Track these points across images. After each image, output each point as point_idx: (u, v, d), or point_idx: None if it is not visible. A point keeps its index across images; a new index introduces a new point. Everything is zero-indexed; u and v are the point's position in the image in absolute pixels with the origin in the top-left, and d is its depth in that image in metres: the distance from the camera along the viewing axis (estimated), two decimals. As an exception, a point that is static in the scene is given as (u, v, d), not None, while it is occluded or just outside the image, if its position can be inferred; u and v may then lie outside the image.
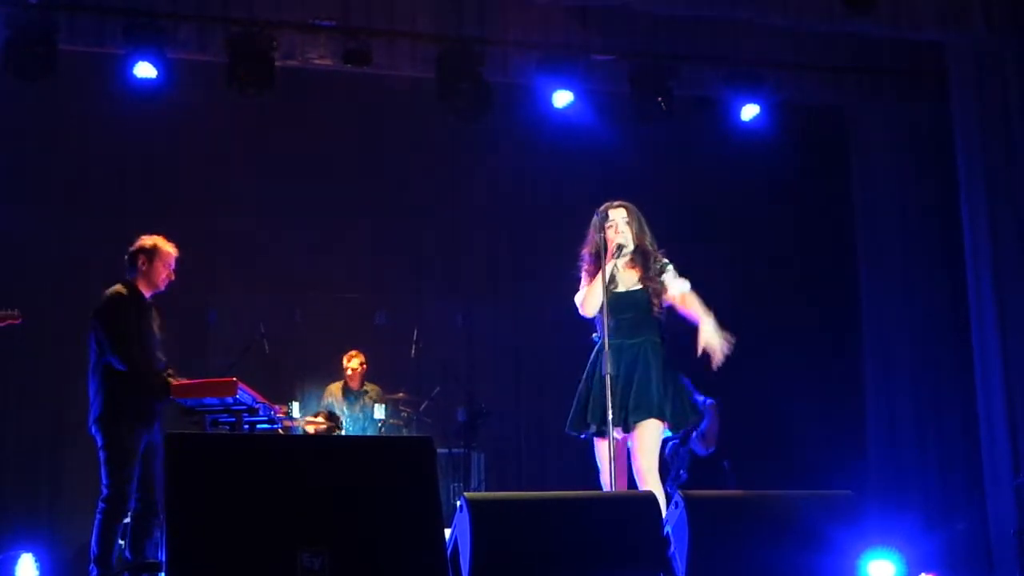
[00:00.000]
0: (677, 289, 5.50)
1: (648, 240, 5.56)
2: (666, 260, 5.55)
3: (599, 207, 5.57)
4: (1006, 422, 8.17)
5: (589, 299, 5.45)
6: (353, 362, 9.29)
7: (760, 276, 10.13)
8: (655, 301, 5.46)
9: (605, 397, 5.22)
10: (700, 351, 5.38)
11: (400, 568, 3.92)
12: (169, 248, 6.21)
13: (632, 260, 5.52)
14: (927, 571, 7.60)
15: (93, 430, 5.92)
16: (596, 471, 5.48)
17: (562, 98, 8.70)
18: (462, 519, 4.26)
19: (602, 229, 5.48)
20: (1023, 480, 7.95)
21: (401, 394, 9.26)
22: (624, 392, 5.35)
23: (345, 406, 9.18)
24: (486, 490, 8.88)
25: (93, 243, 9.15)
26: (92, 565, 5.82)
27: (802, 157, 9.97)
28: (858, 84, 9.43)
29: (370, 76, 8.60)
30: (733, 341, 5.41)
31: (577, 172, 9.55)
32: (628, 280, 5.52)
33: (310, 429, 8.76)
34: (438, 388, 9.22)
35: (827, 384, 9.72)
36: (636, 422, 5.33)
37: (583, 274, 5.59)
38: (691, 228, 10.15)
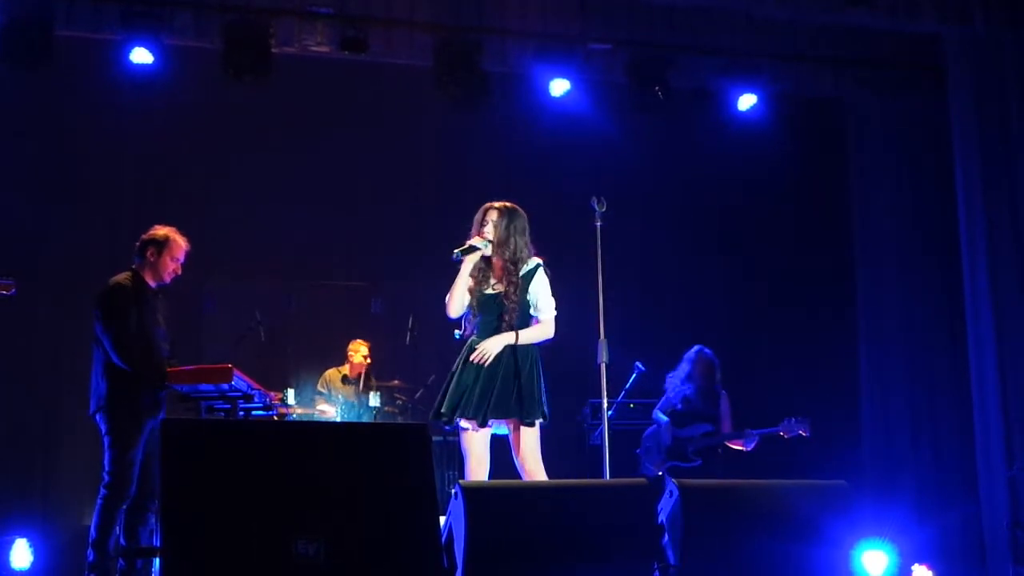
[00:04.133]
0: (545, 313, 5.53)
1: (513, 247, 5.51)
2: (539, 271, 5.53)
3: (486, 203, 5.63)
4: (1000, 414, 8.19)
5: (451, 300, 5.53)
6: (362, 348, 9.26)
7: (756, 267, 10.14)
8: (507, 307, 5.46)
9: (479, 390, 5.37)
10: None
11: (395, 555, 3.93)
12: (180, 241, 6.15)
13: (498, 265, 5.55)
14: (920, 562, 7.62)
15: (97, 417, 5.91)
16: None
17: (559, 87, 8.70)
18: (457, 506, 4.27)
19: (479, 226, 5.56)
20: (1016, 472, 7.97)
21: (396, 382, 9.26)
22: (485, 389, 5.39)
23: (341, 393, 9.18)
24: (480, 478, 8.89)
25: (89, 229, 9.16)
26: (90, 549, 5.81)
27: (799, 148, 9.97)
28: (855, 76, 9.41)
29: (367, 64, 8.59)
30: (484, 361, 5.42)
31: (574, 161, 9.54)
32: (492, 284, 5.57)
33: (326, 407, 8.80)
34: (433, 376, 9.21)
35: (822, 373, 9.73)
36: (502, 419, 5.40)
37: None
38: (687, 218, 10.18)
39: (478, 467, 5.40)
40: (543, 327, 5.53)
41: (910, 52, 9.32)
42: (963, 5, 8.35)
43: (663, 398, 8.29)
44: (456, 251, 5.50)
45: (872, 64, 9.41)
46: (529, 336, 5.49)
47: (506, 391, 5.39)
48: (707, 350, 8.22)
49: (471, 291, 5.53)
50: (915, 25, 8.45)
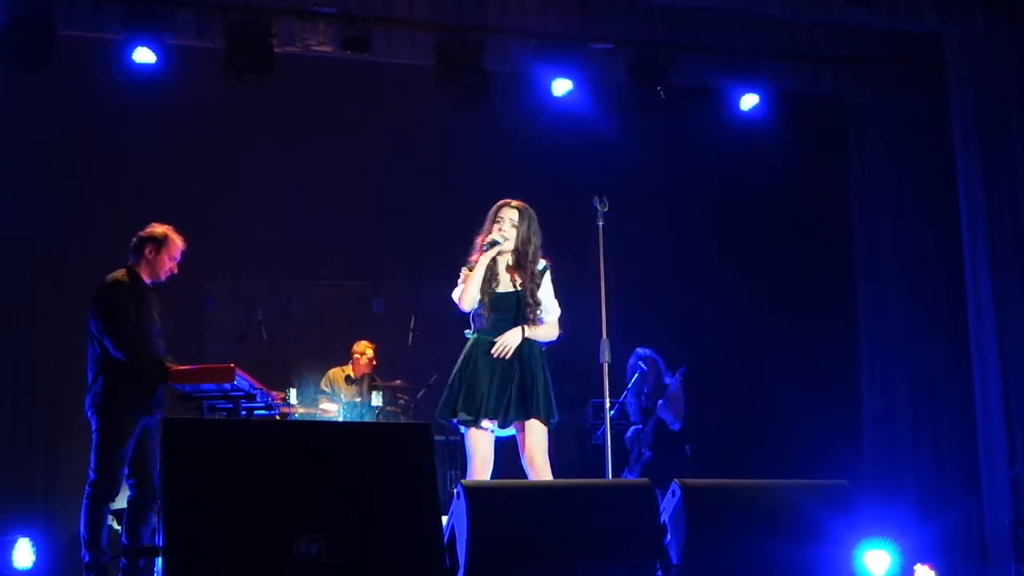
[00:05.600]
0: (552, 315, 5.55)
1: (532, 248, 5.54)
2: (547, 273, 5.56)
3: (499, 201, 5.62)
4: (1002, 412, 8.19)
5: (466, 294, 5.48)
6: (368, 351, 9.23)
7: (756, 265, 10.13)
8: (529, 305, 5.48)
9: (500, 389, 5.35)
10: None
11: (397, 555, 3.93)
12: (178, 240, 6.14)
13: (513, 263, 5.55)
14: (922, 562, 7.62)
15: (89, 414, 5.90)
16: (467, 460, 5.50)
17: (561, 87, 8.71)
18: (459, 506, 4.27)
19: (492, 223, 5.55)
20: (1019, 471, 7.97)
21: (398, 381, 9.25)
22: (502, 389, 5.38)
23: (344, 392, 9.17)
24: (482, 478, 8.88)
25: (89, 229, 9.15)
26: (83, 550, 5.82)
27: (800, 147, 9.97)
28: (856, 74, 9.42)
29: (369, 63, 8.59)
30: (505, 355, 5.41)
31: (576, 161, 9.54)
32: (506, 282, 5.55)
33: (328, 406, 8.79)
34: (435, 376, 9.20)
35: (823, 373, 9.73)
36: (522, 420, 5.38)
37: (464, 270, 5.57)
38: (688, 217, 10.18)
39: (483, 467, 5.39)
40: (550, 327, 5.57)
41: (910, 51, 9.32)
42: (963, 4, 8.34)
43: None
44: (485, 244, 5.47)
45: (872, 63, 9.42)
46: (539, 333, 5.51)
47: (525, 391, 5.40)
48: (640, 351, 8.16)
49: (481, 288, 5.50)
50: (915, 24, 8.44)
